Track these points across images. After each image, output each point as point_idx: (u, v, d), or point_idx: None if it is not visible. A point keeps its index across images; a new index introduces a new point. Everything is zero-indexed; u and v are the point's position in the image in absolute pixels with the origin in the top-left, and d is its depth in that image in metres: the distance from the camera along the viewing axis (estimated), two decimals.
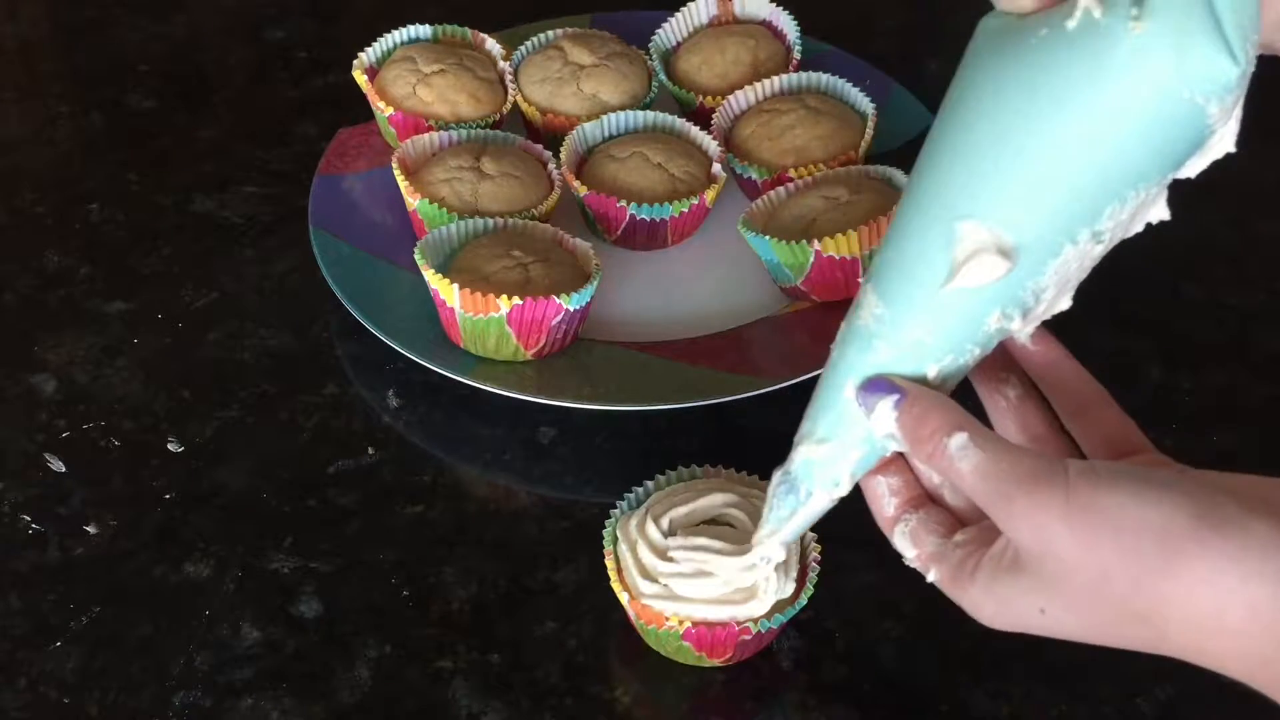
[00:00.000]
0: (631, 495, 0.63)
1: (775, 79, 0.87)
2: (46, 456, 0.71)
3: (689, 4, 0.93)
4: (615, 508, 0.62)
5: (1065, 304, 0.50)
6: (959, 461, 0.46)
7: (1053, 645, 0.62)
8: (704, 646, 0.59)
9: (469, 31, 0.91)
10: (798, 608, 0.59)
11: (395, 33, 0.89)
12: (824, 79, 0.87)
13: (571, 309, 0.72)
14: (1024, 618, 0.46)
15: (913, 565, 0.50)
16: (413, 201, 0.78)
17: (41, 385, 0.75)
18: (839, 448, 0.51)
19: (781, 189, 0.80)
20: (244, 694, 0.60)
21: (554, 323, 0.72)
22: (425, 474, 0.71)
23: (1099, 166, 0.45)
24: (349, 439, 0.72)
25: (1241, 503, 0.41)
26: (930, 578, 0.49)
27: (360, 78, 0.86)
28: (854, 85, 0.86)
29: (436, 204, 0.77)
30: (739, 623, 0.57)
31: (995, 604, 0.47)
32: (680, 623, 0.57)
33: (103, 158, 0.92)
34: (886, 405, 0.49)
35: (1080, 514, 0.43)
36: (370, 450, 0.72)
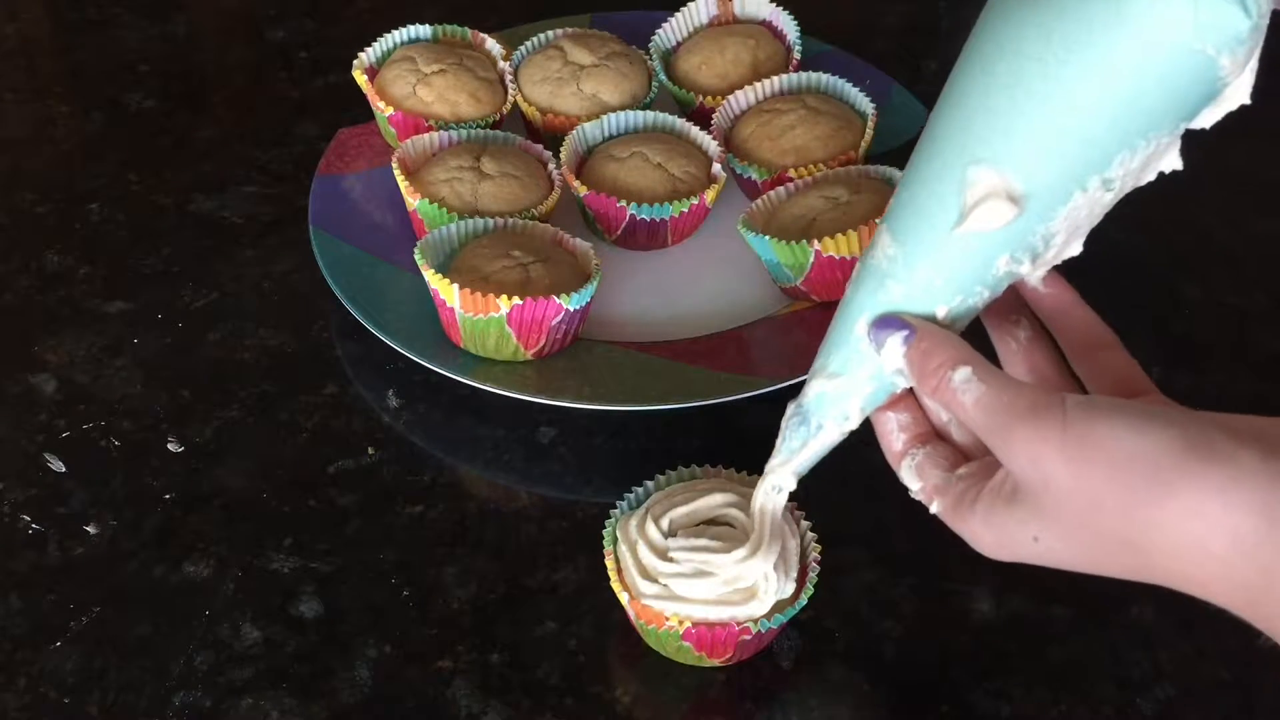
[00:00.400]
0: (631, 495, 0.63)
1: (775, 79, 0.87)
2: (46, 456, 0.71)
3: (689, 4, 0.93)
4: (615, 508, 0.62)
5: (1076, 249, 0.51)
6: (962, 395, 0.48)
7: (1053, 645, 0.62)
8: (704, 646, 0.59)
9: (469, 31, 0.91)
10: (798, 608, 0.59)
11: (395, 33, 0.89)
12: (824, 79, 0.87)
13: (571, 309, 0.72)
14: (1020, 547, 0.47)
15: (917, 497, 0.52)
16: (413, 201, 0.78)
17: (41, 385, 0.75)
18: (850, 382, 0.53)
19: (781, 189, 0.80)
20: (244, 694, 0.60)
21: (554, 323, 0.72)
22: (425, 474, 0.71)
23: (1111, 115, 0.46)
24: (349, 439, 0.72)
25: (1232, 435, 0.42)
26: (933, 509, 0.51)
27: (360, 78, 0.86)
28: (854, 85, 0.86)
29: (436, 204, 0.77)
30: (739, 623, 0.57)
31: (993, 533, 0.48)
32: (680, 623, 0.57)
33: (103, 158, 0.92)
34: (896, 341, 0.50)
35: (1075, 444, 0.44)
36: (370, 450, 0.72)
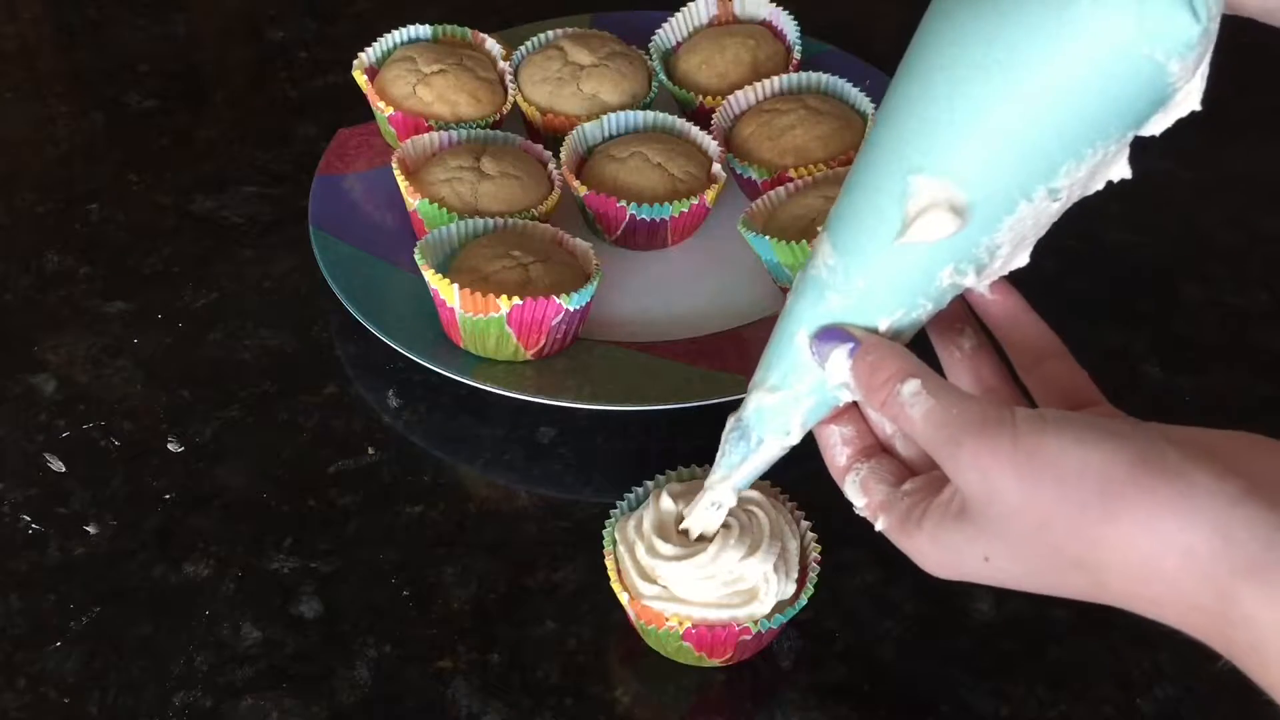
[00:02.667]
0: (631, 495, 0.63)
1: (775, 79, 0.87)
2: (46, 456, 0.71)
3: (689, 4, 0.93)
4: (615, 508, 0.62)
5: (1022, 260, 0.49)
6: (910, 408, 0.46)
7: (1053, 645, 0.62)
8: (704, 646, 0.59)
9: (469, 31, 0.91)
10: (798, 608, 0.59)
11: (395, 33, 0.89)
12: (824, 79, 0.87)
13: (571, 309, 0.72)
14: (968, 566, 0.46)
15: (862, 514, 0.51)
16: (413, 201, 0.78)
17: (41, 385, 0.75)
18: (790, 396, 0.52)
19: (781, 189, 0.80)
20: (244, 694, 0.60)
21: (554, 323, 0.72)
22: (425, 474, 0.71)
23: (1055, 123, 0.45)
24: (349, 439, 0.72)
25: (1184, 451, 0.42)
26: (878, 526, 0.50)
27: (360, 78, 0.86)
28: (854, 85, 0.86)
29: (436, 204, 0.77)
30: (739, 623, 0.57)
31: (940, 552, 0.47)
32: (680, 623, 0.57)
33: (103, 158, 0.92)
34: (841, 354, 0.49)
35: (1025, 459, 0.43)
36: (370, 450, 0.72)
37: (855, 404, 0.52)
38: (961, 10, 0.46)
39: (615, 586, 0.59)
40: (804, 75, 0.87)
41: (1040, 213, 0.47)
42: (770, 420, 0.52)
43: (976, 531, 0.45)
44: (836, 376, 0.50)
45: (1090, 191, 0.48)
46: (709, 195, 0.80)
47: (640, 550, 0.58)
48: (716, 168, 0.81)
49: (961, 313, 0.53)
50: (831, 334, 0.50)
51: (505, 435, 0.72)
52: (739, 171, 0.84)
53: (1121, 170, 0.47)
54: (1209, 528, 0.40)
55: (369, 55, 0.88)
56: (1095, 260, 0.82)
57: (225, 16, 1.08)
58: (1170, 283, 0.82)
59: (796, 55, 0.90)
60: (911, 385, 0.47)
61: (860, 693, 0.61)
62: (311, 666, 0.61)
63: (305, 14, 1.06)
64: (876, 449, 0.52)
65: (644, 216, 0.79)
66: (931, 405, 0.46)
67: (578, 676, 0.61)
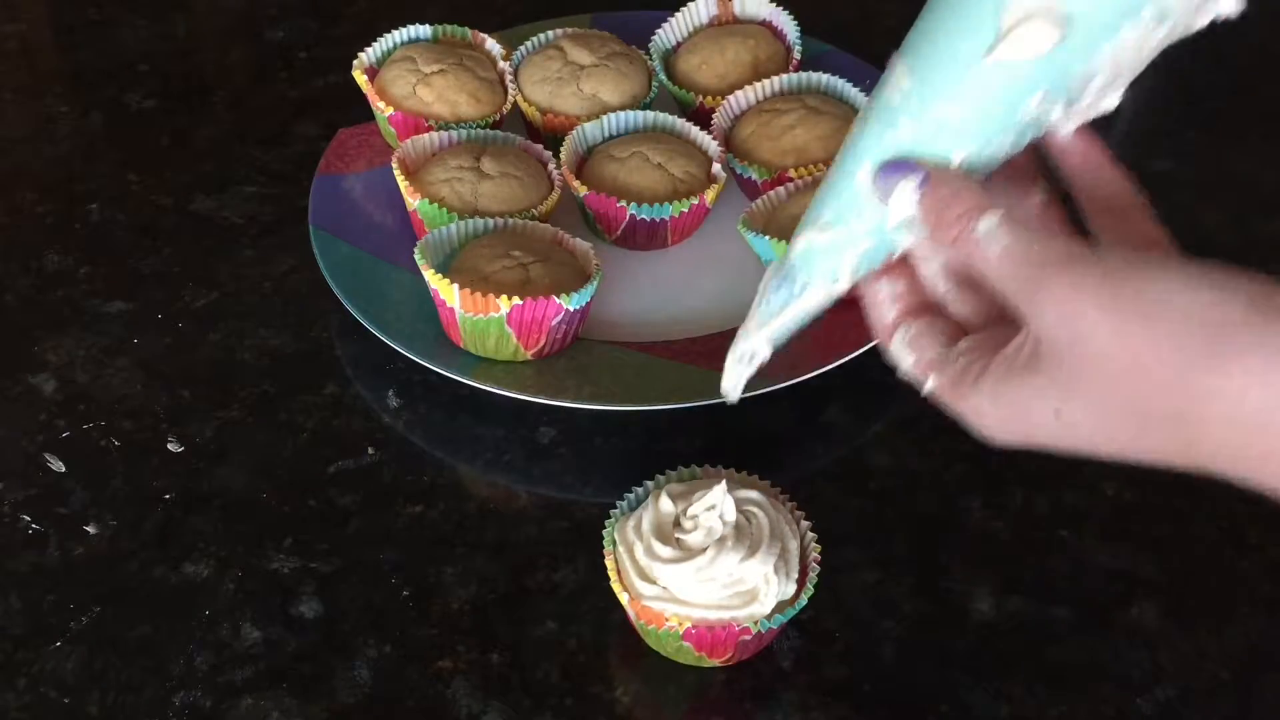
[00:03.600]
0: (631, 495, 0.63)
1: (775, 79, 0.87)
2: (46, 456, 0.71)
3: (689, 4, 0.93)
4: (615, 508, 0.62)
5: (1112, 102, 0.46)
6: (986, 245, 0.43)
7: (1053, 645, 0.62)
8: (704, 647, 0.59)
9: (469, 31, 0.91)
10: (798, 608, 0.59)
11: (395, 33, 0.89)
12: (824, 79, 0.87)
13: (571, 309, 0.72)
14: (1035, 421, 0.42)
15: (908, 374, 0.47)
16: (413, 201, 0.78)
17: (41, 385, 0.75)
18: (844, 235, 0.47)
19: (781, 189, 0.80)
20: (244, 694, 0.60)
21: (554, 323, 0.72)
22: (425, 474, 0.71)
23: None
24: (349, 439, 0.72)
25: None
26: (927, 387, 0.46)
27: (360, 78, 0.86)
28: (854, 85, 0.86)
29: (436, 204, 0.77)
30: (739, 623, 0.57)
31: (1002, 410, 0.43)
32: (680, 623, 0.57)
33: (103, 158, 0.92)
34: (909, 186, 0.45)
35: (1117, 296, 0.39)
36: (370, 450, 0.72)
37: (905, 260, 0.48)
38: None
39: (615, 586, 0.59)
40: (804, 75, 0.87)
41: (1143, 39, 0.43)
42: (819, 262, 0.48)
43: (1048, 382, 0.41)
44: (900, 212, 0.45)
45: (1195, 28, 0.44)
46: (709, 195, 0.80)
47: (639, 551, 0.59)
48: (716, 168, 0.81)
49: (1033, 167, 0.48)
50: (898, 166, 0.45)
51: (505, 435, 0.72)
52: (739, 171, 0.84)
53: (1230, 5, 0.43)
54: None
55: (369, 55, 0.88)
56: None
57: (225, 16, 1.08)
58: None
59: (796, 55, 0.90)
60: (989, 221, 0.43)
61: (860, 693, 0.61)
62: (311, 666, 0.61)
63: (305, 14, 1.06)
64: (927, 308, 0.48)
65: (644, 216, 0.79)
66: (1010, 241, 0.42)
67: (578, 676, 0.61)
